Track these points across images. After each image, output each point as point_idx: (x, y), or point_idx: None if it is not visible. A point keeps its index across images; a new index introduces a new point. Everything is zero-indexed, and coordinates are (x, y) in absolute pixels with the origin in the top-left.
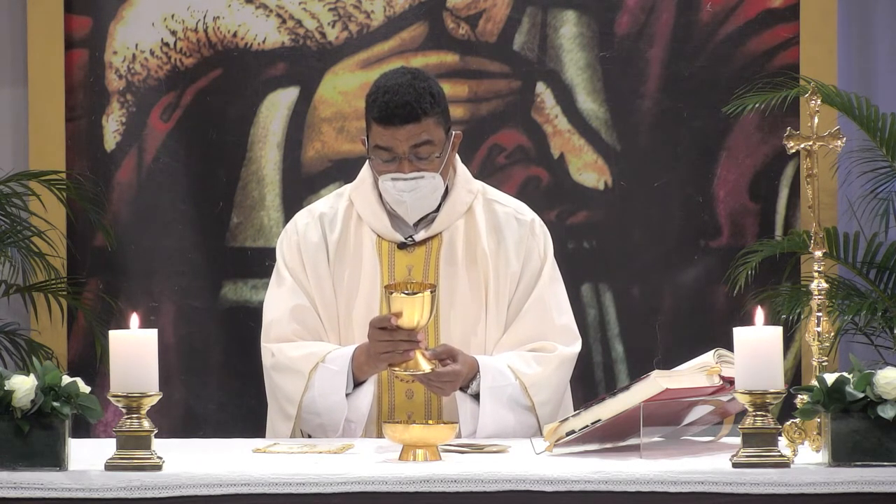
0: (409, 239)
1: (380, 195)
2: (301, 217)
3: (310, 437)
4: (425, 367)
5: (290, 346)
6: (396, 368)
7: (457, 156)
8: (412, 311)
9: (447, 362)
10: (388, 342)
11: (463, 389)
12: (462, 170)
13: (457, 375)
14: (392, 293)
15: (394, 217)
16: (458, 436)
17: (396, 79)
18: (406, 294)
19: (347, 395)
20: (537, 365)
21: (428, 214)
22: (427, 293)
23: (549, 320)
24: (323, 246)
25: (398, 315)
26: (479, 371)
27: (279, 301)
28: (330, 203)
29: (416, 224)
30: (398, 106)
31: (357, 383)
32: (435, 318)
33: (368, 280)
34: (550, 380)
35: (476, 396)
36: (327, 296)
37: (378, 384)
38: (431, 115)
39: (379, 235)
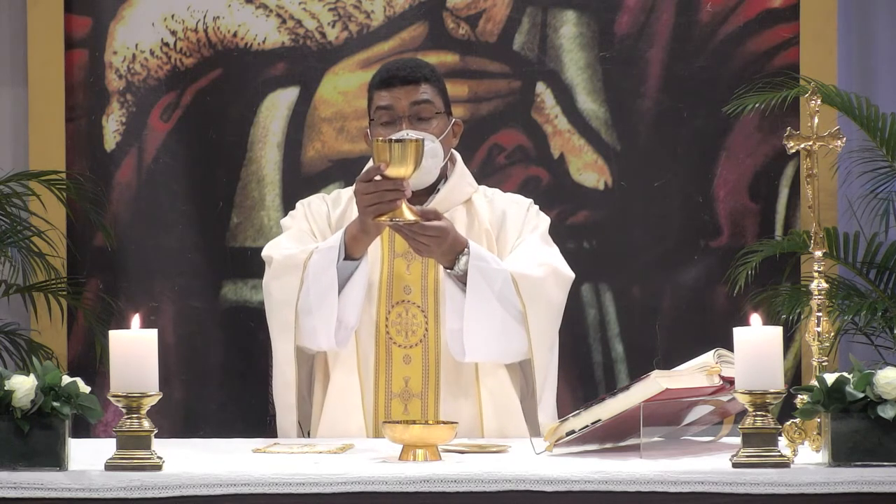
0: None
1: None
2: (309, 197)
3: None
4: (410, 216)
5: (290, 248)
6: (382, 218)
7: (458, 154)
8: (399, 161)
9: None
10: (373, 193)
11: (449, 270)
12: (463, 166)
13: (443, 232)
14: (378, 141)
15: None
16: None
17: (398, 58)
18: (391, 141)
19: (341, 289)
20: (527, 265)
21: (426, 198)
22: (413, 142)
23: (536, 250)
24: (326, 217)
25: (385, 164)
26: (467, 248)
27: (284, 237)
28: (335, 192)
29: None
30: (398, 69)
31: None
32: (437, 297)
33: (369, 249)
34: (542, 285)
35: (462, 281)
36: None
37: (375, 348)
38: (431, 82)
39: None
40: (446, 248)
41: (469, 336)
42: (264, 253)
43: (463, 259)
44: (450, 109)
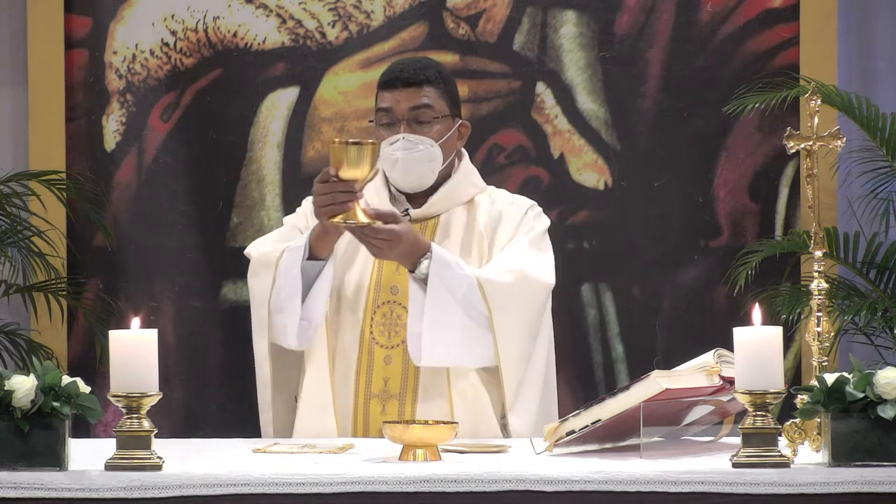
0: (405, 213)
1: (385, 178)
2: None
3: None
4: (363, 219)
5: (268, 246)
6: (335, 219)
7: (465, 153)
8: (354, 163)
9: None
10: (327, 194)
11: (412, 271)
12: (469, 165)
13: (395, 236)
14: (335, 143)
15: (396, 200)
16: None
17: (405, 58)
18: (348, 143)
19: (309, 288)
20: (497, 271)
21: (427, 198)
22: (369, 145)
23: (517, 255)
24: None
25: (338, 165)
26: (430, 251)
27: (269, 235)
28: None
29: (417, 206)
30: (402, 70)
31: (317, 265)
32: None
33: (363, 248)
34: (511, 291)
35: (426, 282)
36: None
37: (358, 349)
38: (434, 85)
39: None
40: (403, 252)
41: (427, 340)
42: (246, 251)
43: (424, 263)
44: (457, 111)
